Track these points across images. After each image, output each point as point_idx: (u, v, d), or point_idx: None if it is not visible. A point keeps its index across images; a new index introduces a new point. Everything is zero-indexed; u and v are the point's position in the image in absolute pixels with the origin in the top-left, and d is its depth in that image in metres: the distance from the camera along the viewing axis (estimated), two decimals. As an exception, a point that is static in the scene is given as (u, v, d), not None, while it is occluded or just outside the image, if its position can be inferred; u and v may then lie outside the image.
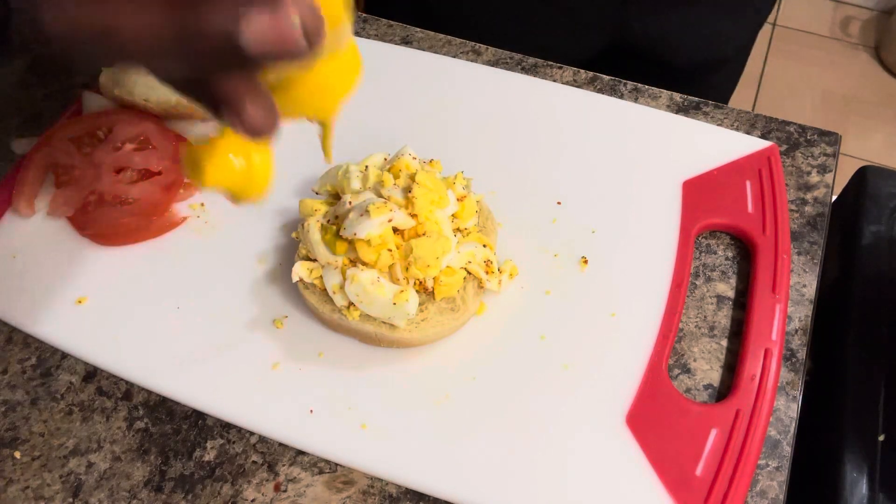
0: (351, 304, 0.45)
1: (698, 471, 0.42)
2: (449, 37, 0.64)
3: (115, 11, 0.23)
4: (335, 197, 0.49)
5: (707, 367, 0.47)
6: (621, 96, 0.60)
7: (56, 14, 0.23)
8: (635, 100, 0.60)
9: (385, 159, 0.50)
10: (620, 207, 0.53)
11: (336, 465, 0.44)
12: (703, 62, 0.72)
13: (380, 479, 0.43)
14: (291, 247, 0.51)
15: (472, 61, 0.62)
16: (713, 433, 0.43)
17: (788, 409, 0.45)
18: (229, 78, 0.24)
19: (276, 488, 0.43)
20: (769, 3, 0.71)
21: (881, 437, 0.44)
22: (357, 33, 0.66)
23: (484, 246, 0.47)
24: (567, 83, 0.61)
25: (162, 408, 0.46)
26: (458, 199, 0.47)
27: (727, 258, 0.51)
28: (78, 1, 0.23)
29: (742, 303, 0.49)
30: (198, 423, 0.46)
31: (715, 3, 0.68)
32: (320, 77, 0.28)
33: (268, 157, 0.32)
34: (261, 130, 0.25)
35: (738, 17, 0.70)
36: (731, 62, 0.75)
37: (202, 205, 0.54)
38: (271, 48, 0.22)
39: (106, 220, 0.51)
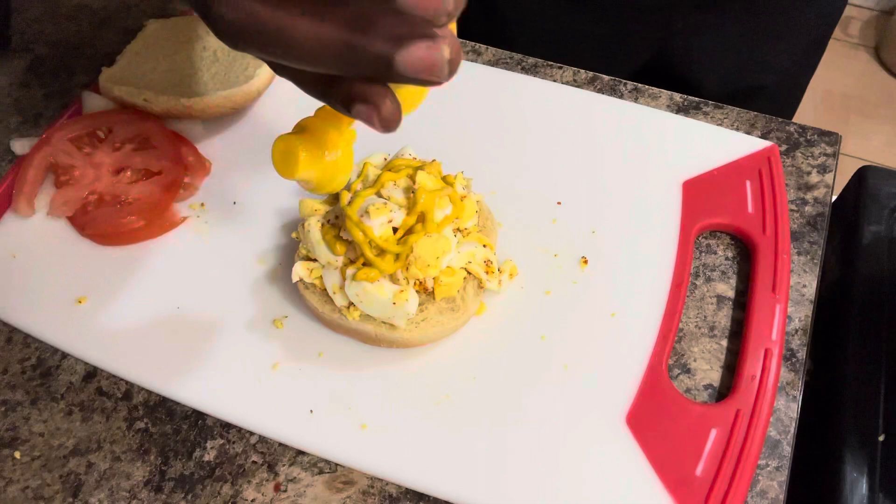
0: (351, 304, 0.45)
1: (698, 471, 0.42)
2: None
3: (293, 17, 0.25)
4: (335, 197, 0.49)
5: (707, 367, 0.47)
6: (621, 96, 0.60)
7: (235, 5, 0.25)
8: (635, 100, 0.60)
9: (385, 159, 0.50)
10: (620, 207, 0.53)
11: (336, 465, 0.44)
12: (736, 90, 0.71)
13: (380, 479, 0.43)
14: (291, 247, 0.51)
15: (472, 61, 0.62)
16: (713, 433, 0.43)
17: (788, 409, 0.45)
18: (369, 81, 0.27)
19: (276, 488, 0.43)
20: (817, 34, 0.70)
21: (881, 437, 0.44)
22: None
23: (484, 246, 0.47)
24: (567, 83, 0.61)
25: (162, 408, 0.46)
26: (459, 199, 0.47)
27: (727, 258, 0.51)
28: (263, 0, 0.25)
29: (742, 303, 0.49)
30: (198, 423, 0.46)
31: (759, 26, 0.67)
32: (414, 90, 0.33)
33: (350, 152, 0.34)
34: (392, 123, 0.28)
35: (782, 43, 0.69)
36: (766, 92, 0.73)
37: (202, 205, 0.54)
38: (420, 74, 0.25)
39: (106, 220, 0.51)
